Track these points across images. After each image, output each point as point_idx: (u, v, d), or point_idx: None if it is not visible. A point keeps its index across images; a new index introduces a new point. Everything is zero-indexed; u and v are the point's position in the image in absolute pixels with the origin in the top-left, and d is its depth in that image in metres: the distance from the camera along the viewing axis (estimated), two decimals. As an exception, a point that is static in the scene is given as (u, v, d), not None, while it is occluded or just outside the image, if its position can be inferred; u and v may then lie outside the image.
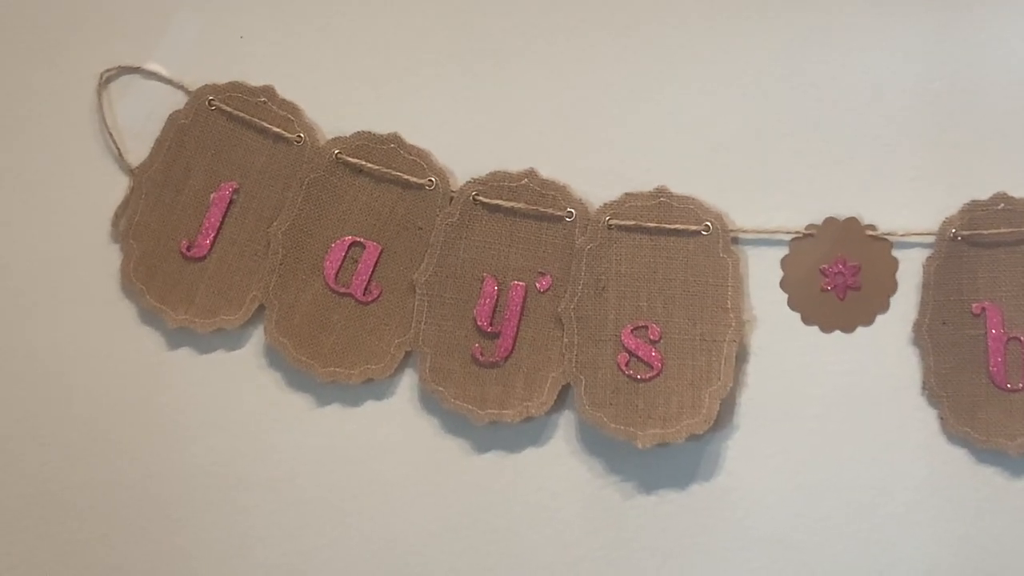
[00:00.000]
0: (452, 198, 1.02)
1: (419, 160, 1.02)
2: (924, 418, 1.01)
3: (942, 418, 1.01)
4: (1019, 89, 1.01)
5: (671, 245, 1.01)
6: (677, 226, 1.01)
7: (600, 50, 1.04)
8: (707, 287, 1.01)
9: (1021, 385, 0.99)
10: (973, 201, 1.01)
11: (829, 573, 1.01)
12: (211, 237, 1.03)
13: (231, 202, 1.04)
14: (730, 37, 1.03)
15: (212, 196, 1.04)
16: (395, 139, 1.03)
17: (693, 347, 1.01)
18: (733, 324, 1.00)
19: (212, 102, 1.04)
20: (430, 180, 1.02)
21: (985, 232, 1.00)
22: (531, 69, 1.05)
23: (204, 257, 1.03)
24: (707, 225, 1.01)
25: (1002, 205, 1.01)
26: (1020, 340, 0.99)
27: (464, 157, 1.04)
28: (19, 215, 1.07)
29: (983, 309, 1.00)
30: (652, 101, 1.04)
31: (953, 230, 1.00)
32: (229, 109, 1.04)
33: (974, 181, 1.01)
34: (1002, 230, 1.00)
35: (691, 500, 1.03)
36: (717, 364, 1.00)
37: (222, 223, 1.03)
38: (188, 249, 1.03)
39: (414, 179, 1.02)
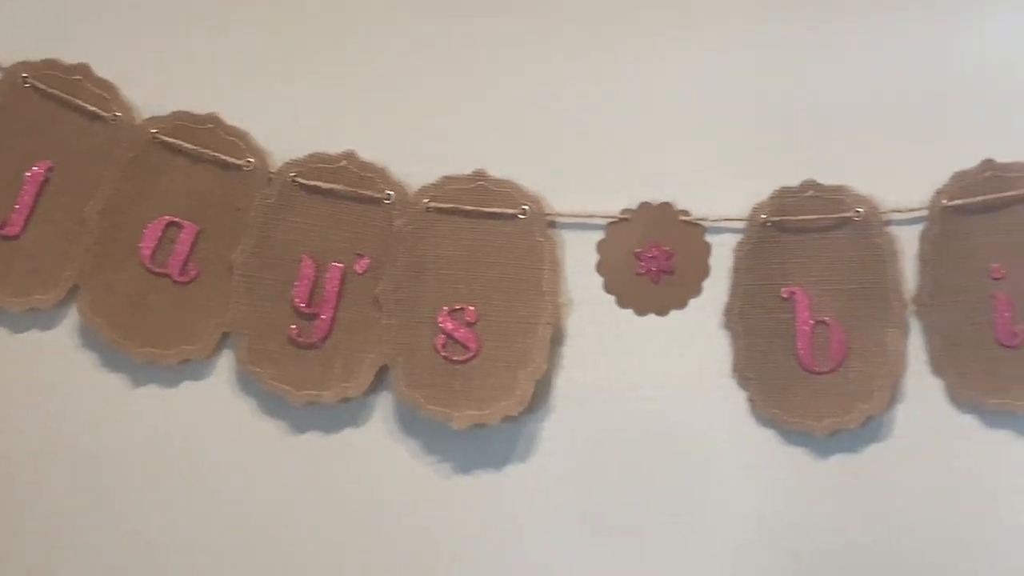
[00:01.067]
0: (270, 179, 1.02)
1: (238, 141, 1.02)
2: (734, 400, 1.03)
3: (752, 400, 1.03)
4: (829, 79, 1.03)
5: (489, 228, 1.02)
6: (495, 209, 1.02)
7: (423, 36, 1.05)
8: (524, 270, 1.02)
9: (827, 368, 1.01)
10: (783, 188, 1.03)
11: (644, 554, 1.03)
12: (24, 215, 1.01)
13: (46, 180, 1.02)
14: (549, 25, 1.03)
15: (26, 174, 1.02)
16: (213, 119, 1.02)
17: (509, 329, 1.02)
18: (549, 307, 1.02)
19: (26, 79, 1.03)
20: (248, 161, 1.02)
21: (794, 218, 1.02)
22: (355, 52, 1.05)
23: (17, 236, 1.01)
24: (524, 209, 1.02)
25: (811, 192, 1.03)
26: (827, 324, 1.02)
27: (284, 139, 1.03)
28: None
29: (792, 293, 1.02)
30: (473, 86, 1.04)
31: (763, 216, 1.02)
32: (43, 87, 1.02)
33: (785, 168, 1.03)
34: (810, 216, 1.02)
35: (507, 480, 1.04)
36: (532, 346, 1.01)
37: (36, 202, 1.01)
38: (1, 227, 1.01)
39: (232, 159, 1.02)
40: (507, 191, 1.03)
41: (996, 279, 1.02)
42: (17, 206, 1.02)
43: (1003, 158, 1.02)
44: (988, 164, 1.02)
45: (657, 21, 1.06)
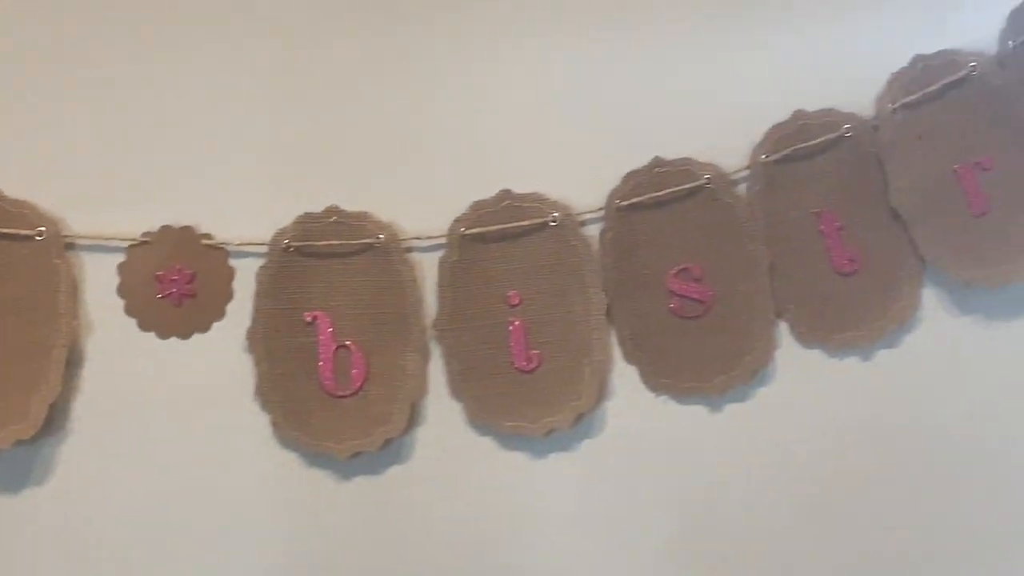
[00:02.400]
0: None
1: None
2: (257, 423, 1.04)
3: (275, 423, 1.04)
4: (348, 111, 1.05)
5: (3, 249, 1.01)
6: (9, 230, 1.01)
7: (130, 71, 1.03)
8: (40, 292, 1.01)
9: (349, 391, 1.03)
10: (306, 213, 1.04)
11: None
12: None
13: None
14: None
15: None
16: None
17: (23, 352, 1.00)
18: (65, 329, 1.00)
19: None
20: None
21: (318, 243, 1.04)
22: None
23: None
24: (41, 230, 1.01)
25: (335, 218, 1.04)
26: (349, 348, 1.04)
27: None
28: None
29: (315, 318, 1.04)
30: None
31: (286, 241, 1.03)
32: None
33: (309, 194, 1.04)
34: (333, 242, 1.04)
35: (25, 505, 1.02)
36: (47, 369, 1.00)
37: None
38: None
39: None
40: (23, 211, 1.01)
41: (513, 306, 1.05)
42: None
43: (520, 189, 1.04)
44: (505, 194, 1.05)
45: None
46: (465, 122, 1.05)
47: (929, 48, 1.05)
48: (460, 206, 1.05)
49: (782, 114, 1.05)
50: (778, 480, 1.07)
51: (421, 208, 1.05)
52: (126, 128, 1.04)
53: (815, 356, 1.07)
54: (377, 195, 1.05)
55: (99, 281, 1.03)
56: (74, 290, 1.02)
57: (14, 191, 1.02)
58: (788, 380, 1.08)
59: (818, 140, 1.04)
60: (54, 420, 1.02)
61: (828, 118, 1.05)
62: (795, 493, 1.07)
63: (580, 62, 1.06)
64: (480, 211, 1.05)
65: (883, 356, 1.06)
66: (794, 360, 1.07)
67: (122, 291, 1.03)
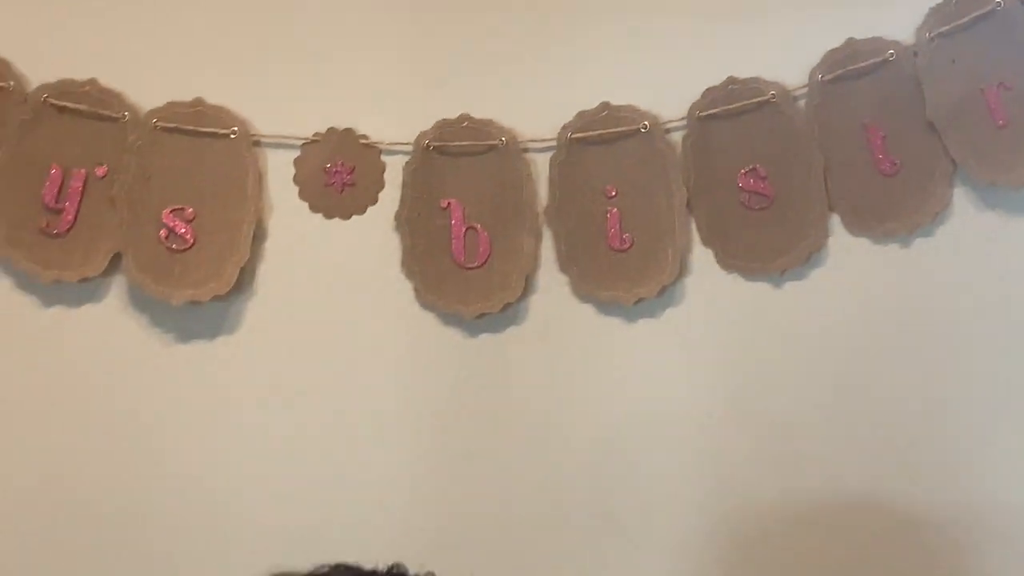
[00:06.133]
0: (25, 100, 1.27)
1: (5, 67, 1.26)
2: (403, 289, 1.30)
3: (416, 289, 1.29)
4: (482, 26, 1.29)
5: (205, 145, 1.28)
6: (210, 129, 1.28)
7: None
8: (233, 179, 1.28)
9: (475, 264, 1.29)
10: (443, 119, 1.29)
11: (325, 417, 1.29)
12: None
13: None
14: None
15: None
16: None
17: (220, 226, 1.27)
18: (251, 209, 1.27)
19: None
20: (9, 84, 1.26)
21: (452, 144, 1.29)
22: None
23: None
24: (234, 130, 1.28)
25: (466, 123, 1.30)
26: (476, 229, 1.29)
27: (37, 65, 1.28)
28: None
29: (449, 204, 1.29)
30: (185, 16, 1.29)
31: (427, 141, 1.29)
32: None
33: (446, 102, 1.29)
34: (465, 143, 1.29)
35: (218, 349, 1.30)
36: (238, 239, 1.27)
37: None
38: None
39: (-5, 82, 1.26)
40: (221, 115, 1.28)
41: (610, 197, 1.29)
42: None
43: (616, 101, 1.29)
44: (604, 105, 1.29)
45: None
46: (573, 44, 1.28)
47: (862, 32, 1.26)
48: (567, 115, 1.29)
49: (836, 40, 1.27)
50: (826, 346, 1.29)
51: (536, 116, 1.29)
52: (304, 45, 1.29)
53: (862, 243, 1.29)
54: (500, 104, 1.29)
55: (279, 172, 1.29)
56: (259, 178, 1.28)
57: (213, 98, 1.28)
58: (838, 263, 1.29)
59: (867, 63, 1.26)
60: (243, 281, 1.27)
61: (875, 45, 1.26)
62: (838, 359, 1.28)
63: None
64: (584, 119, 1.29)
65: (920, 244, 1.27)
66: (844, 247, 1.29)
67: (297, 180, 1.29)
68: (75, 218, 1.27)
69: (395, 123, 1.29)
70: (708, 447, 1.27)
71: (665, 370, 1.29)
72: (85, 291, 1.29)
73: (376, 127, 1.29)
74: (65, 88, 1.27)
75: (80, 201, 1.27)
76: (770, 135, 1.27)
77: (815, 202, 1.27)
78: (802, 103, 1.28)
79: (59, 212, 1.27)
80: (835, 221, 1.29)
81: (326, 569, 0.87)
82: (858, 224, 1.28)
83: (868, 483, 1.27)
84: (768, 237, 1.28)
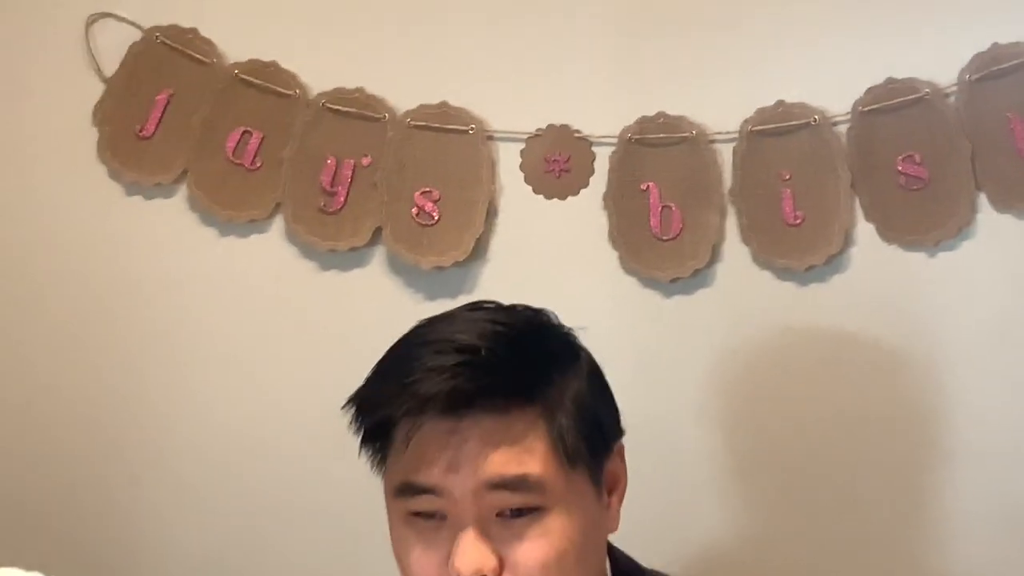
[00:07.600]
0: (308, 105, 1.60)
1: (289, 79, 1.59)
2: (609, 257, 1.57)
3: (620, 257, 1.56)
4: (675, 23, 1.55)
5: (449, 139, 1.59)
6: (453, 126, 1.58)
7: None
8: (470, 166, 1.58)
9: (670, 237, 1.55)
10: (643, 116, 1.56)
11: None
12: (154, 124, 1.61)
13: (168, 102, 1.62)
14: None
15: (157, 98, 1.61)
16: (273, 64, 1.60)
17: (460, 205, 1.58)
18: (485, 190, 1.57)
19: (157, 37, 1.62)
20: (296, 92, 1.60)
21: (650, 136, 1.56)
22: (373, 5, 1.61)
23: (150, 137, 1.61)
24: (472, 127, 1.58)
25: (662, 119, 1.56)
26: (671, 207, 1.55)
27: (317, 77, 1.60)
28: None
29: (648, 187, 1.56)
30: (434, 35, 1.59)
31: (629, 135, 1.56)
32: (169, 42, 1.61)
33: (645, 100, 1.56)
34: (662, 135, 1.56)
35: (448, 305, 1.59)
36: (474, 216, 1.57)
37: (162, 115, 1.61)
38: (140, 131, 1.61)
39: (284, 90, 1.60)
40: (462, 114, 1.58)
41: (784, 180, 1.54)
42: (149, 119, 1.61)
43: (790, 99, 1.54)
44: (780, 103, 1.54)
45: None
46: (752, 51, 1.53)
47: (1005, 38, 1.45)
48: (748, 111, 1.54)
49: (983, 45, 1.48)
50: (976, 311, 1.50)
51: (721, 112, 1.54)
52: (528, 56, 1.57)
53: (1007, 220, 1.49)
54: (690, 103, 1.54)
55: (508, 160, 1.57)
56: (492, 166, 1.56)
57: (456, 101, 1.58)
58: (986, 237, 1.49)
59: (1009, 64, 1.48)
60: (478, 250, 1.56)
61: (1016, 49, 1.47)
62: (992, 320, 1.50)
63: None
64: (762, 115, 1.53)
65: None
66: (991, 222, 1.49)
67: (522, 167, 1.57)
68: (345, 199, 1.58)
69: (603, 120, 1.55)
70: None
71: (832, 330, 1.51)
72: (353, 258, 1.59)
73: (587, 123, 1.55)
74: (338, 95, 1.58)
75: (350, 185, 1.58)
76: (925, 126, 1.49)
77: (964, 183, 1.48)
78: (952, 99, 1.48)
79: (333, 195, 1.57)
80: (982, 200, 1.49)
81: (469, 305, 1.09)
82: (1002, 202, 1.48)
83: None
84: (923, 214, 1.49)
